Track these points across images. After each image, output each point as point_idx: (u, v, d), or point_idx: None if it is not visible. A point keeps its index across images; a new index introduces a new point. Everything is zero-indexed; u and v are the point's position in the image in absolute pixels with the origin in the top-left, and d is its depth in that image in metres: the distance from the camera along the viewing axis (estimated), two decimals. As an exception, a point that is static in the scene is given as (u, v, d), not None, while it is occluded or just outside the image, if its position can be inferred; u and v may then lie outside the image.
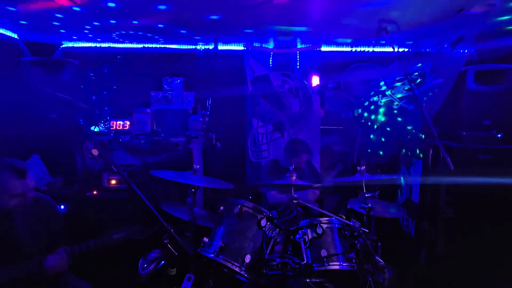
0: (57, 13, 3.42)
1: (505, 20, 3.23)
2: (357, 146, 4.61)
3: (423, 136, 3.62)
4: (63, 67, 3.98)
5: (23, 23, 3.80)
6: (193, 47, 4.93)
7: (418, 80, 3.96)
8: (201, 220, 2.83)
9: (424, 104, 2.79)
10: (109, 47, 4.88)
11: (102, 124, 4.66)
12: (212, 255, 2.36)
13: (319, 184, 3.72)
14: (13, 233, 2.06)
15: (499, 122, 3.44)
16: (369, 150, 4.38)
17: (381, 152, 4.28)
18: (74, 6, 3.16)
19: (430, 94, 3.76)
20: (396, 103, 4.16)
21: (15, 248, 2.04)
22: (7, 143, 3.51)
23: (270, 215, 2.53)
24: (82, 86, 4.46)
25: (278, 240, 2.49)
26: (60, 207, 3.67)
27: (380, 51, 4.86)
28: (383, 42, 4.47)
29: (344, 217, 2.48)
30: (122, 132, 4.59)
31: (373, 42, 4.59)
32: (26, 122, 3.68)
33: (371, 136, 4.39)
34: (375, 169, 3.13)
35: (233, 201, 2.59)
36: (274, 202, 3.55)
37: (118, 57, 4.96)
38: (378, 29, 2.77)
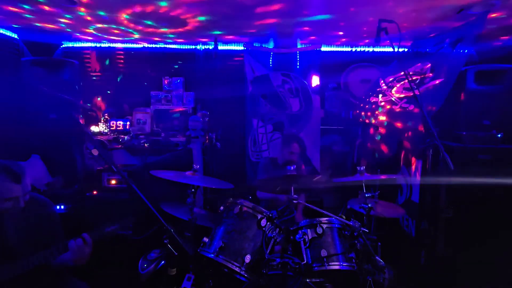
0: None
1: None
2: (357, 146, 4.61)
3: (423, 136, 3.62)
4: (63, 67, 3.98)
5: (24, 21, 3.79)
6: (193, 47, 4.93)
7: (418, 80, 3.96)
8: (201, 220, 2.83)
9: (424, 104, 2.78)
10: (109, 47, 4.88)
11: (102, 124, 4.66)
12: (212, 255, 2.36)
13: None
14: (3, 235, 2.05)
15: (499, 122, 3.43)
16: (369, 150, 4.39)
17: (381, 152, 4.28)
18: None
19: (430, 94, 3.76)
20: (396, 103, 4.16)
21: (6, 250, 2.04)
22: (7, 143, 3.51)
23: (270, 215, 2.53)
24: (82, 86, 4.46)
25: (278, 240, 2.49)
26: (60, 207, 3.67)
27: (380, 51, 4.85)
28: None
29: (344, 217, 2.48)
30: (122, 132, 4.59)
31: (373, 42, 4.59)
32: (26, 122, 3.68)
33: (371, 136, 4.39)
34: (375, 169, 3.12)
35: (233, 201, 2.60)
36: (262, 197, 3.60)
37: (119, 57, 4.97)
38: (378, 29, 2.77)
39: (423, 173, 3.67)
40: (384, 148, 4.30)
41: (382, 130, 4.33)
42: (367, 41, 4.65)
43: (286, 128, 4.80)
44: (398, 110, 4.16)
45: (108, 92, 5.00)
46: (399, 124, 4.15)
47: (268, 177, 3.64)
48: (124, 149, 4.27)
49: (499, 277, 3.08)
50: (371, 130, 4.44)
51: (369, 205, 2.83)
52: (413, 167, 4.04)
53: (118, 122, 4.65)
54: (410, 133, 3.99)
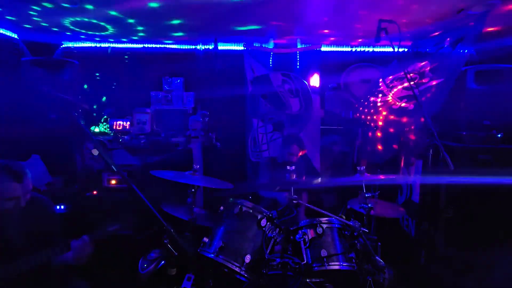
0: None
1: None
2: (357, 146, 4.61)
3: (423, 136, 3.62)
4: (63, 67, 3.98)
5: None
6: (193, 47, 4.93)
7: (418, 80, 3.96)
8: (201, 220, 2.83)
9: (424, 104, 2.78)
10: (109, 47, 4.88)
11: (102, 124, 4.66)
12: (212, 255, 2.36)
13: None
14: (4, 234, 2.06)
15: (499, 122, 3.44)
16: (369, 150, 4.38)
17: (381, 152, 4.28)
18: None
19: (430, 94, 3.76)
20: (396, 103, 4.16)
21: (7, 249, 2.04)
22: (7, 143, 3.51)
23: (270, 215, 2.53)
24: (82, 86, 4.46)
25: (278, 240, 2.49)
26: (60, 207, 3.68)
27: (380, 51, 4.85)
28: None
29: (344, 217, 2.48)
30: (122, 132, 4.59)
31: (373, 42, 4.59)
32: (26, 122, 3.68)
33: (371, 136, 4.39)
34: (375, 169, 3.12)
35: (233, 201, 2.60)
36: (267, 196, 3.57)
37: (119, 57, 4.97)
38: (378, 29, 2.77)
39: (423, 173, 3.67)
40: (384, 148, 4.30)
41: (382, 130, 4.33)
42: (360, 40, 4.62)
43: (286, 128, 4.80)
44: (398, 110, 4.16)
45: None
46: (399, 124, 4.15)
47: (269, 177, 3.65)
48: (124, 149, 4.27)
49: (499, 277, 3.08)
50: (371, 130, 4.44)
51: (369, 205, 2.83)
52: (413, 167, 4.05)
53: (118, 122, 4.65)
54: (410, 133, 3.99)
